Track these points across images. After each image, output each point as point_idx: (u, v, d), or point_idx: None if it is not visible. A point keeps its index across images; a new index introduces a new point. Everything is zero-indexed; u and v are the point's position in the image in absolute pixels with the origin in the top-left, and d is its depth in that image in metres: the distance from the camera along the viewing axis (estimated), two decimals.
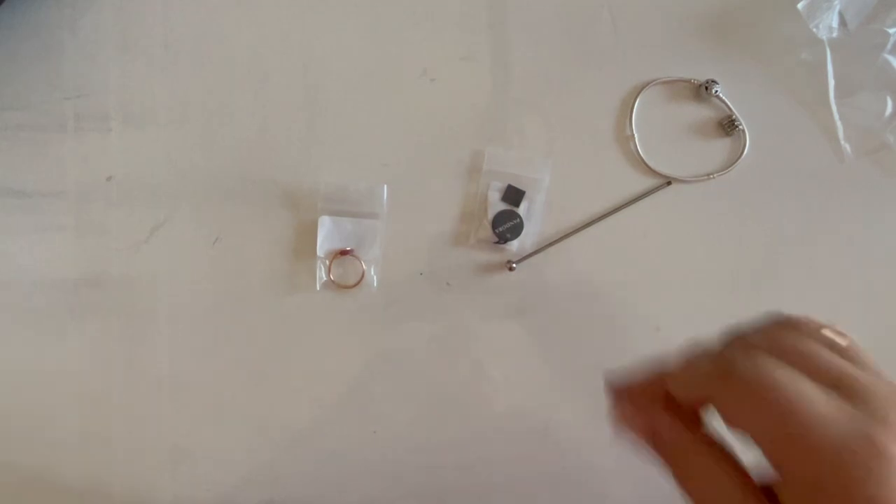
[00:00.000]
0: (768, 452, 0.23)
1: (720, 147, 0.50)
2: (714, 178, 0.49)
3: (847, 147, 0.49)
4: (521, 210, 0.48)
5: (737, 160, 0.49)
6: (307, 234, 0.48)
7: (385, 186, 0.48)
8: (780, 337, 0.25)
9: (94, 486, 0.46)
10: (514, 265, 0.48)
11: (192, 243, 0.48)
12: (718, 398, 0.24)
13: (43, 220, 0.48)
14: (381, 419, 0.47)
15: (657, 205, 0.49)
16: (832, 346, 0.25)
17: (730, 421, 0.24)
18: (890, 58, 0.49)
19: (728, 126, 0.49)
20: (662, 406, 0.27)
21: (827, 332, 0.26)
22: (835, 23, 0.49)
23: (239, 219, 0.48)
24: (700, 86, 0.49)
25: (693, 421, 0.27)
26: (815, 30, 0.48)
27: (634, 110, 0.50)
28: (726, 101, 0.49)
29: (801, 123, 0.50)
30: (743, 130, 0.49)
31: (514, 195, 0.48)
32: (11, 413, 0.46)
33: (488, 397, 0.47)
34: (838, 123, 0.49)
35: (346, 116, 0.49)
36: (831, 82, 0.49)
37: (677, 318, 0.48)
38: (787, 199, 0.49)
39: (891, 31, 0.48)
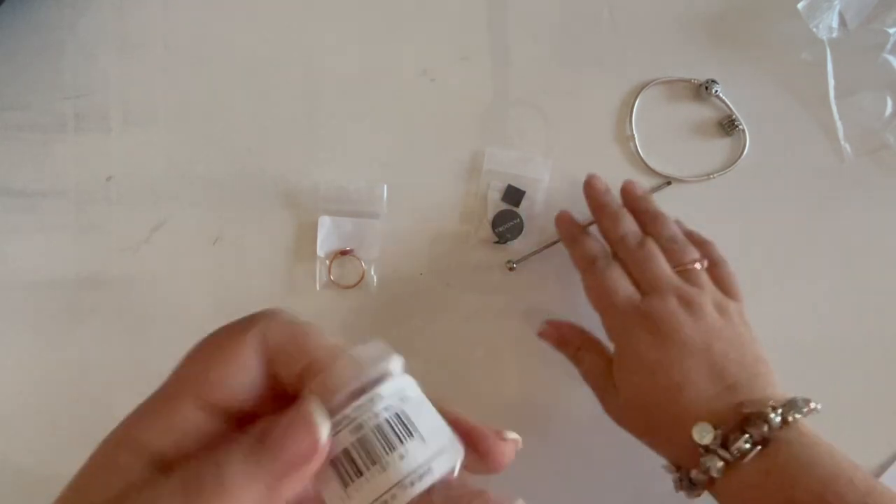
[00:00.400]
0: (602, 318, 0.42)
1: (720, 147, 0.50)
2: (714, 178, 0.49)
3: (847, 147, 0.49)
4: (521, 210, 0.48)
5: (737, 160, 0.49)
6: (307, 234, 0.48)
7: (385, 186, 0.48)
8: (627, 245, 0.43)
9: None
10: (514, 265, 0.48)
11: (192, 243, 0.48)
12: (583, 279, 0.43)
13: (43, 220, 0.48)
14: None
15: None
16: (675, 259, 0.42)
17: (587, 296, 0.43)
18: (890, 58, 0.49)
19: (728, 126, 0.49)
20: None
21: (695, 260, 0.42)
22: (835, 23, 0.49)
23: (239, 219, 0.48)
24: (700, 86, 0.49)
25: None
26: (815, 30, 0.48)
27: (634, 110, 0.50)
28: (726, 101, 0.49)
29: (801, 123, 0.50)
30: (743, 130, 0.49)
31: (514, 195, 0.48)
32: (11, 413, 0.46)
33: (488, 397, 0.47)
34: (838, 123, 0.49)
35: (346, 116, 0.49)
36: (831, 82, 0.49)
37: None
38: (787, 199, 0.49)
39: (891, 31, 0.48)
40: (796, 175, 0.49)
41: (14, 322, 0.47)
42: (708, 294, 0.40)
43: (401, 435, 0.20)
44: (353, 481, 0.20)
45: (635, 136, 0.49)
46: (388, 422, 0.21)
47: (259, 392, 0.22)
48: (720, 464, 0.34)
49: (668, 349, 0.37)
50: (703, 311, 0.38)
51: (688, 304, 0.39)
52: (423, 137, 0.49)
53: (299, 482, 0.20)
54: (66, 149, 0.48)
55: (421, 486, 0.20)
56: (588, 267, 0.43)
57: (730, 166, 0.49)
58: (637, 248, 0.42)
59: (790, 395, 0.36)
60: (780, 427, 0.34)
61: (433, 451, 0.21)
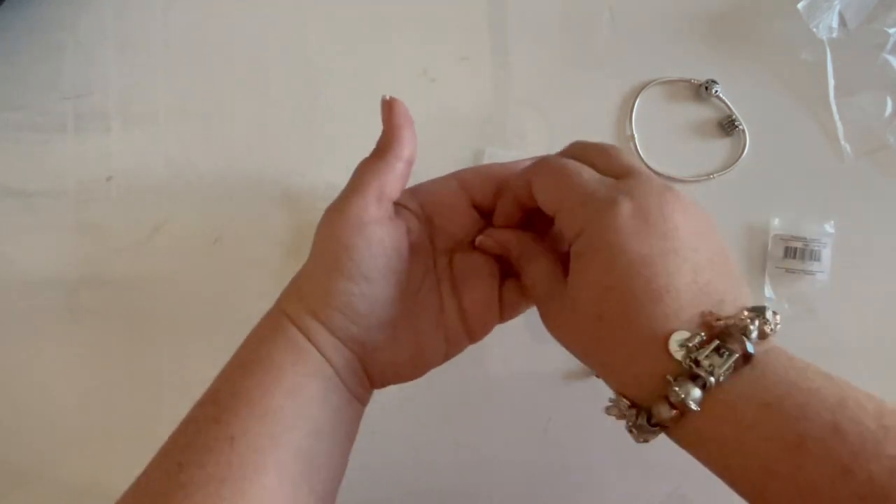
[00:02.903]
0: (557, 221, 0.32)
1: (720, 147, 0.50)
2: (714, 178, 0.49)
3: (847, 147, 0.49)
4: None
5: (737, 160, 0.49)
6: (307, 234, 0.47)
7: None
8: (589, 145, 0.34)
9: (94, 486, 0.46)
10: None
11: (192, 243, 0.48)
12: (533, 183, 0.33)
13: (43, 220, 0.48)
14: (381, 419, 0.47)
15: None
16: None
17: (537, 198, 0.33)
18: (890, 58, 0.49)
19: (728, 126, 0.49)
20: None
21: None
22: (835, 23, 0.49)
23: (239, 219, 0.48)
24: (700, 86, 0.49)
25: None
26: (815, 30, 0.48)
27: (634, 110, 0.50)
28: (726, 101, 0.49)
29: (801, 123, 0.50)
30: (743, 130, 0.49)
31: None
32: (11, 413, 0.46)
33: (488, 397, 0.47)
34: (838, 123, 0.49)
35: (346, 116, 0.49)
36: (831, 82, 0.49)
37: None
38: (787, 200, 0.49)
39: (891, 31, 0.48)
40: (796, 175, 0.49)
41: (14, 322, 0.47)
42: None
43: None
44: None
45: (635, 136, 0.49)
46: None
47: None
48: (696, 391, 0.26)
49: (655, 243, 0.28)
50: (688, 203, 0.30)
51: (671, 190, 0.30)
52: (423, 137, 0.49)
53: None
54: (66, 149, 0.48)
55: None
56: (536, 166, 0.33)
57: (730, 166, 0.49)
58: (594, 148, 0.34)
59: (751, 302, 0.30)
60: (759, 342, 0.28)
61: None
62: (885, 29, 0.48)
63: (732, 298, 0.29)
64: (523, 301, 0.36)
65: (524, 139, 0.49)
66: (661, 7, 0.51)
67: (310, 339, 0.32)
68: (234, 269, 0.48)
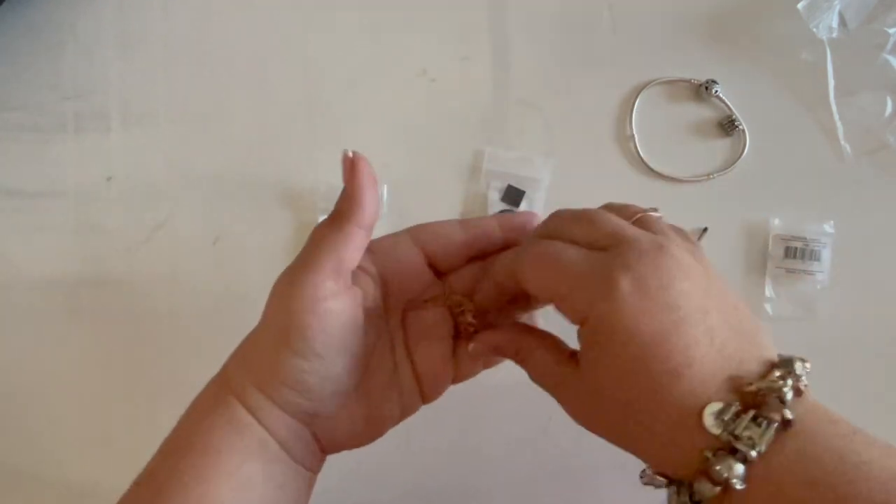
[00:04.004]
0: (558, 308, 0.29)
1: (720, 147, 0.50)
2: (714, 178, 0.49)
3: (847, 147, 0.49)
4: (522, 210, 0.48)
5: (737, 160, 0.49)
6: (307, 234, 0.47)
7: (385, 186, 0.48)
8: (571, 217, 0.31)
9: (94, 486, 0.46)
10: None
11: (192, 243, 0.48)
12: (519, 274, 0.30)
13: (43, 220, 0.48)
14: None
15: (657, 205, 0.49)
16: (630, 215, 0.31)
17: (528, 288, 0.30)
18: (890, 58, 0.49)
19: (728, 126, 0.49)
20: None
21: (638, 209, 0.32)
22: (835, 23, 0.49)
23: (239, 219, 0.48)
24: (700, 86, 0.49)
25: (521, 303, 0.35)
26: (815, 30, 0.48)
27: (634, 110, 0.50)
28: (726, 101, 0.49)
29: (801, 123, 0.50)
30: (743, 130, 0.49)
31: (514, 195, 0.48)
32: (11, 413, 0.46)
33: (488, 397, 0.47)
34: (838, 123, 0.49)
35: (346, 116, 0.49)
36: (831, 82, 0.49)
37: None
38: (787, 200, 0.49)
39: (891, 31, 0.48)
40: (796, 175, 0.49)
41: (14, 322, 0.47)
42: (678, 240, 0.29)
43: None
44: None
45: (635, 136, 0.49)
46: None
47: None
48: (739, 467, 0.25)
49: (663, 317, 0.26)
50: (686, 261, 0.28)
51: (664, 252, 0.28)
52: (423, 137, 0.49)
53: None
54: (66, 149, 0.48)
55: None
56: (518, 258, 0.31)
57: (730, 166, 0.49)
58: (572, 219, 0.31)
59: (776, 353, 0.28)
60: (795, 400, 0.26)
61: None
62: (885, 29, 0.48)
63: (756, 355, 0.27)
64: (480, 363, 0.35)
65: (524, 139, 0.49)
66: (661, 7, 0.51)
67: (253, 415, 0.30)
68: (234, 269, 0.48)
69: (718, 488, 0.25)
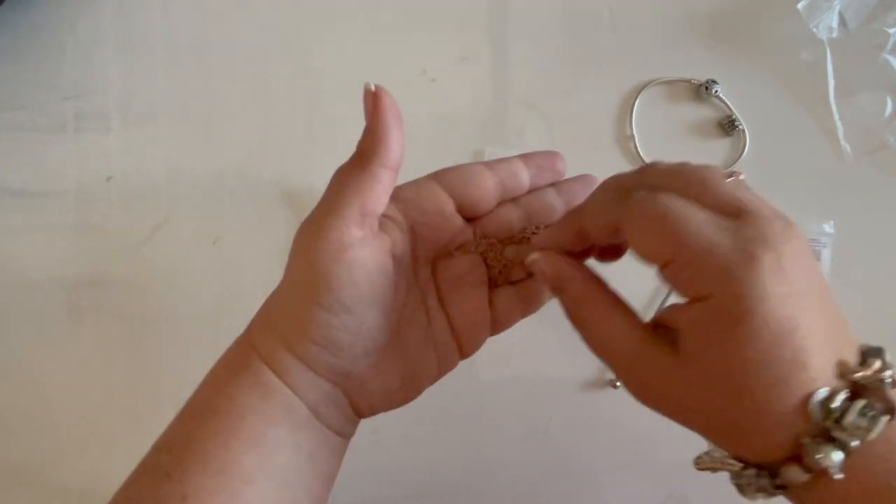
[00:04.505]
0: (666, 275, 0.26)
1: (720, 147, 0.50)
2: None
3: (847, 147, 0.49)
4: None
5: (737, 160, 0.49)
6: None
7: None
8: (677, 173, 0.27)
9: (94, 486, 0.46)
10: None
11: (192, 243, 0.48)
12: (623, 225, 0.26)
13: (43, 220, 0.48)
14: (381, 419, 0.47)
15: None
16: (728, 177, 0.27)
17: (634, 246, 0.27)
18: (890, 58, 0.49)
19: (728, 126, 0.49)
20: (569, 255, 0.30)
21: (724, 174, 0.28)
22: (835, 23, 0.49)
23: (239, 219, 0.48)
24: (700, 86, 0.49)
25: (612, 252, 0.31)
26: (815, 30, 0.48)
27: (634, 110, 0.50)
28: (726, 101, 0.49)
29: (801, 123, 0.50)
30: (743, 130, 0.49)
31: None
32: (11, 413, 0.46)
33: (489, 397, 0.47)
34: (838, 123, 0.49)
35: (346, 116, 0.49)
36: (831, 82, 0.49)
37: None
38: (787, 200, 0.49)
39: (891, 31, 0.48)
40: (796, 175, 0.49)
41: (14, 322, 0.47)
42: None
43: None
44: None
45: (635, 136, 0.49)
46: None
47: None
48: (838, 455, 0.23)
49: (796, 301, 0.24)
50: (804, 238, 0.26)
51: (794, 230, 0.25)
52: (423, 137, 0.49)
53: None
54: (66, 149, 0.48)
55: None
56: (632, 209, 0.26)
57: (730, 166, 0.49)
58: (679, 176, 0.27)
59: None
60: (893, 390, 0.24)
61: None
62: (885, 29, 0.48)
63: (850, 342, 0.26)
64: (518, 310, 0.33)
65: (524, 139, 0.49)
66: (661, 7, 0.51)
67: (281, 377, 0.28)
68: (234, 269, 0.48)
69: (808, 475, 0.24)
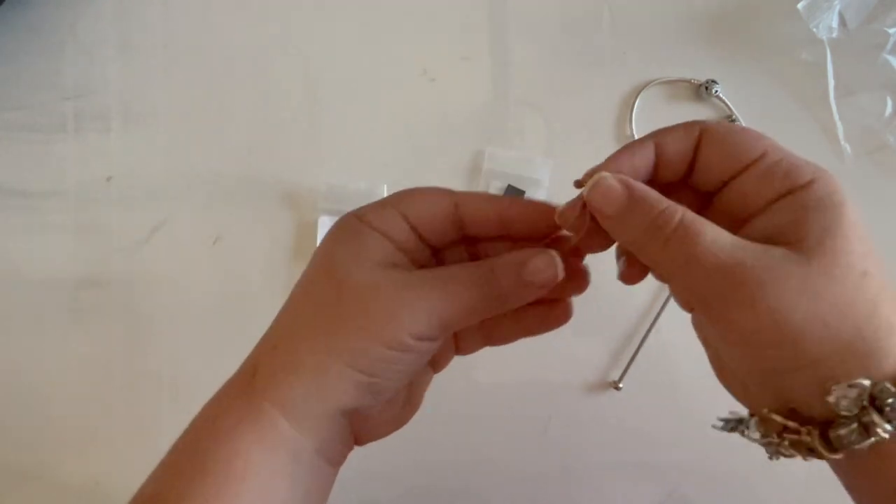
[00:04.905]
0: (753, 174, 0.26)
1: None
2: None
3: (847, 147, 0.49)
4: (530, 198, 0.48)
5: None
6: (307, 234, 0.48)
7: (385, 186, 0.48)
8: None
9: (94, 486, 0.46)
10: None
11: (192, 243, 0.48)
12: (706, 136, 0.27)
13: (43, 220, 0.48)
14: None
15: None
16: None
17: (718, 151, 0.26)
18: (890, 58, 0.49)
19: None
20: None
21: None
22: (835, 23, 0.49)
23: (239, 219, 0.48)
24: (700, 86, 0.49)
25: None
26: (815, 30, 0.48)
27: (634, 110, 0.50)
28: (726, 101, 0.49)
29: (801, 123, 0.50)
30: None
31: (514, 195, 0.48)
32: (11, 413, 0.46)
33: (488, 397, 0.47)
34: (838, 123, 0.49)
35: (346, 116, 0.49)
36: (831, 82, 0.49)
37: (675, 317, 0.48)
38: None
39: (891, 31, 0.48)
40: None
41: (14, 322, 0.47)
42: None
43: None
44: None
45: (635, 136, 0.49)
46: None
47: (445, 232, 0.29)
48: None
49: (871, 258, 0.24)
50: None
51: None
52: (423, 137, 0.49)
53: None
54: (66, 149, 0.48)
55: None
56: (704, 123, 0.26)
57: None
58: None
59: None
60: None
61: None
62: (885, 29, 0.48)
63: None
64: (479, 337, 0.34)
65: (524, 139, 0.49)
66: (661, 7, 0.51)
67: (294, 423, 0.27)
68: (234, 269, 0.48)
69: (862, 438, 0.23)
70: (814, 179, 0.24)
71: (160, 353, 0.47)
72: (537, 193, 0.48)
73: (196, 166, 0.48)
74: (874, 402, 0.22)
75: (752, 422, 0.26)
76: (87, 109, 0.49)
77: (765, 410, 0.25)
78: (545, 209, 0.29)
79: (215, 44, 0.49)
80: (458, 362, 0.49)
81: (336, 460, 0.29)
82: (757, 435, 0.25)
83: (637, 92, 0.50)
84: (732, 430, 0.27)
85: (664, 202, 0.25)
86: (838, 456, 0.23)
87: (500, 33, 0.50)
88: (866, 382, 0.22)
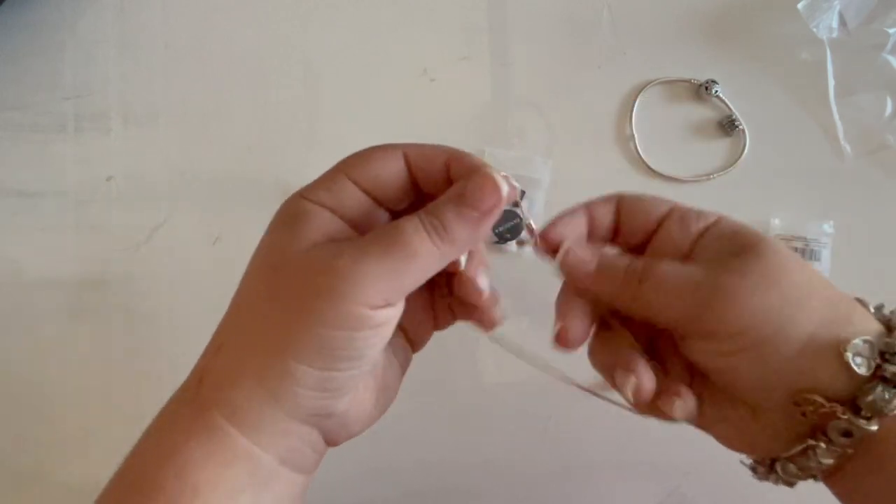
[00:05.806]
0: (702, 242, 0.28)
1: (720, 147, 0.50)
2: (714, 178, 0.49)
3: (847, 147, 0.49)
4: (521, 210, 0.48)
5: (737, 160, 0.49)
6: None
7: None
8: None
9: (94, 486, 0.46)
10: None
11: (192, 243, 0.48)
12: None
13: (43, 220, 0.48)
14: (382, 419, 0.47)
15: None
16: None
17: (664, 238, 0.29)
18: (890, 58, 0.49)
19: (728, 126, 0.49)
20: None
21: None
22: (835, 23, 0.49)
23: (239, 219, 0.48)
24: (700, 86, 0.49)
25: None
26: (815, 30, 0.48)
27: (634, 110, 0.50)
28: (726, 101, 0.49)
29: (801, 123, 0.50)
30: (743, 130, 0.49)
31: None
32: (11, 413, 0.46)
33: (489, 397, 0.47)
34: (838, 123, 0.49)
35: (346, 116, 0.49)
36: (831, 82, 0.49)
37: None
38: (787, 199, 0.49)
39: (891, 31, 0.48)
40: (796, 175, 0.49)
41: (14, 322, 0.47)
42: None
43: None
44: None
45: (635, 136, 0.49)
46: None
47: (402, 190, 0.28)
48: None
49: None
50: None
51: None
52: (423, 137, 0.49)
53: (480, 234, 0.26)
54: (66, 149, 0.48)
55: None
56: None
57: (730, 166, 0.49)
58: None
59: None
60: None
61: None
62: (885, 29, 0.48)
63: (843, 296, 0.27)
64: (457, 307, 0.31)
65: (524, 139, 0.49)
66: (661, 7, 0.51)
67: (248, 436, 0.24)
68: (234, 269, 0.48)
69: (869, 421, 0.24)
70: (720, 217, 0.28)
71: (160, 353, 0.47)
72: (537, 193, 0.48)
73: (196, 166, 0.48)
74: (883, 355, 0.25)
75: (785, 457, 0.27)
76: (87, 109, 0.48)
77: (800, 395, 0.25)
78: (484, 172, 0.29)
79: (215, 44, 0.49)
80: (458, 362, 0.49)
81: (306, 467, 0.27)
82: (793, 468, 0.27)
83: (637, 92, 0.50)
84: (768, 472, 0.28)
85: (626, 255, 0.29)
86: (874, 427, 0.24)
87: (500, 33, 0.50)
88: (870, 337, 0.25)
